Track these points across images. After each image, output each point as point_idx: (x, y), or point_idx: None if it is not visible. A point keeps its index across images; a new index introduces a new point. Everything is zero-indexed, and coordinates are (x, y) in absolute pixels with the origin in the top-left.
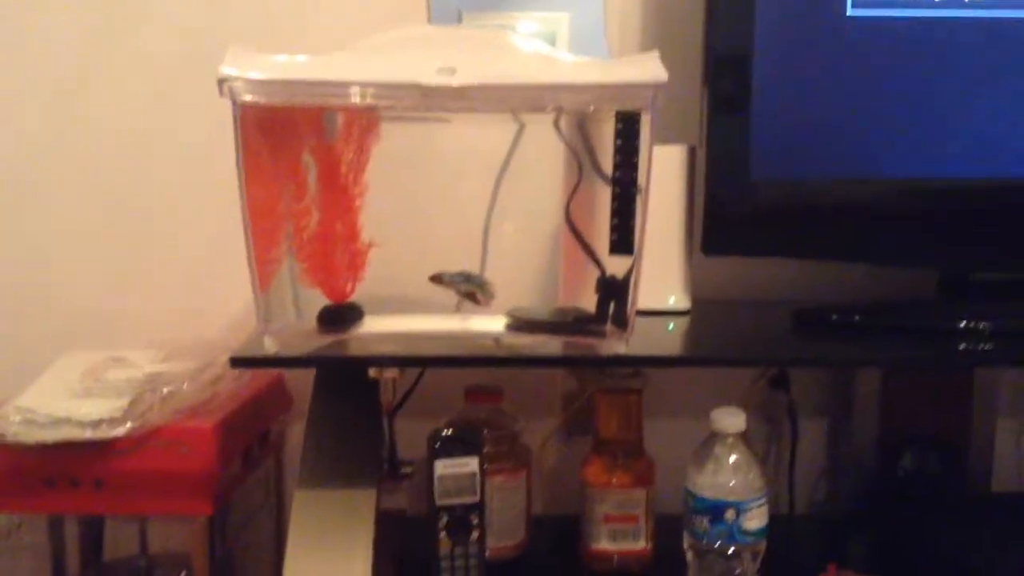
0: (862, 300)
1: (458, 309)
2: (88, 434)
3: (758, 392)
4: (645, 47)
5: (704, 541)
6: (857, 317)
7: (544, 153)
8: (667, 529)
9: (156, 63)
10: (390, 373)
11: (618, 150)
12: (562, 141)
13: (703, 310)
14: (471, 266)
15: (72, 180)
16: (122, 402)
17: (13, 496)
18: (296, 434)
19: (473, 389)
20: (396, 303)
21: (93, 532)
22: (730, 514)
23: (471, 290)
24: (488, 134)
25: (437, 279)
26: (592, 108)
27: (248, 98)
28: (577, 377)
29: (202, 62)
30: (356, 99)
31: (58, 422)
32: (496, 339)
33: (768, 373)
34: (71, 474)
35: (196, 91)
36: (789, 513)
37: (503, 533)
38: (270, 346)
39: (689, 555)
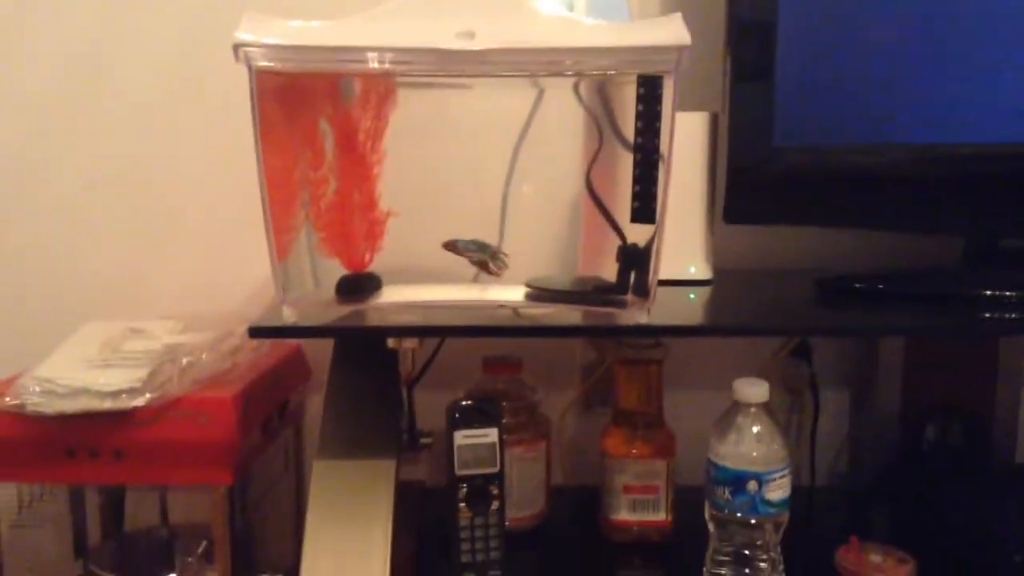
0: (886, 268)
1: (476, 279)
2: (108, 404)
3: (779, 363)
4: (665, 11)
5: (726, 511)
6: (880, 286)
7: (563, 119)
8: (687, 500)
9: (175, 33)
10: (409, 343)
11: (640, 115)
12: (582, 107)
13: (724, 280)
14: (489, 234)
15: (90, 152)
16: (141, 372)
17: (34, 466)
18: (315, 405)
19: (491, 360)
20: (414, 273)
21: (114, 502)
22: (752, 485)
23: (483, 259)
24: (507, 100)
25: (451, 246)
26: (614, 72)
27: (264, 64)
28: (596, 348)
29: (220, 31)
30: (374, 65)
31: (77, 392)
32: (515, 309)
33: (790, 344)
34: (91, 444)
35: (214, 61)
36: (810, 484)
37: (522, 503)
38: (289, 316)
39: (710, 526)
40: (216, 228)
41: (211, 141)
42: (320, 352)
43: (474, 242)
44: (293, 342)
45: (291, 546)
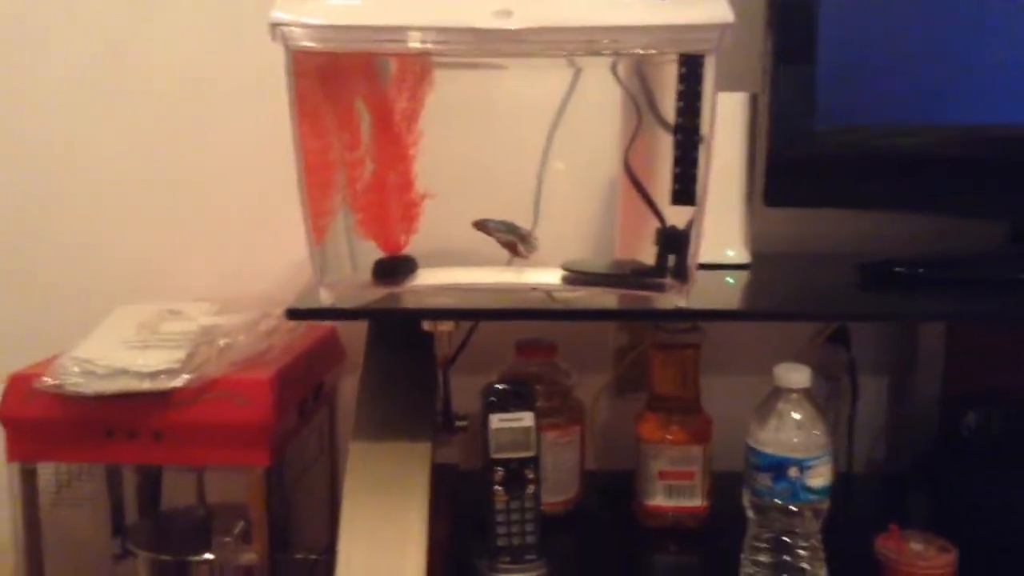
0: (928, 253)
1: (510, 262)
2: (146, 385)
3: (817, 349)
4: None
5: (765, 498)
6: (921, 270)
7: (601, 100)
8: (722, 486)
9: (207, 14)
10: (444, 326)
11: (680, 95)
12: (620, 87)
13: (762, 264)
14: (524, 217)
15: (125, 134)
16: (179, 354)
17: (72, 446)
18: (348, 387)
19: (525, 343)
20: (449, 255)
21: (150, 482)
22: (793, 471)
23: (512, 240)
24: (543, 80)
25: (481, 225)
26: (654, 51)
27: (301, 43)
28: (629, 332)
29: (251, 11)
30: (411, 44)
31: (116, 373)
32: (548, 292)
33: (828, 329)
34: (129, 425)
35: (248, 41)
36: (847, 472)
37: (556, 488)
38: (325, 298)
39: (749, 512)
40: (249, 211)
41: (245, 123)
42: (353, 334)
43: (504, 223)
44: (327, 324)
45: (326, 527)
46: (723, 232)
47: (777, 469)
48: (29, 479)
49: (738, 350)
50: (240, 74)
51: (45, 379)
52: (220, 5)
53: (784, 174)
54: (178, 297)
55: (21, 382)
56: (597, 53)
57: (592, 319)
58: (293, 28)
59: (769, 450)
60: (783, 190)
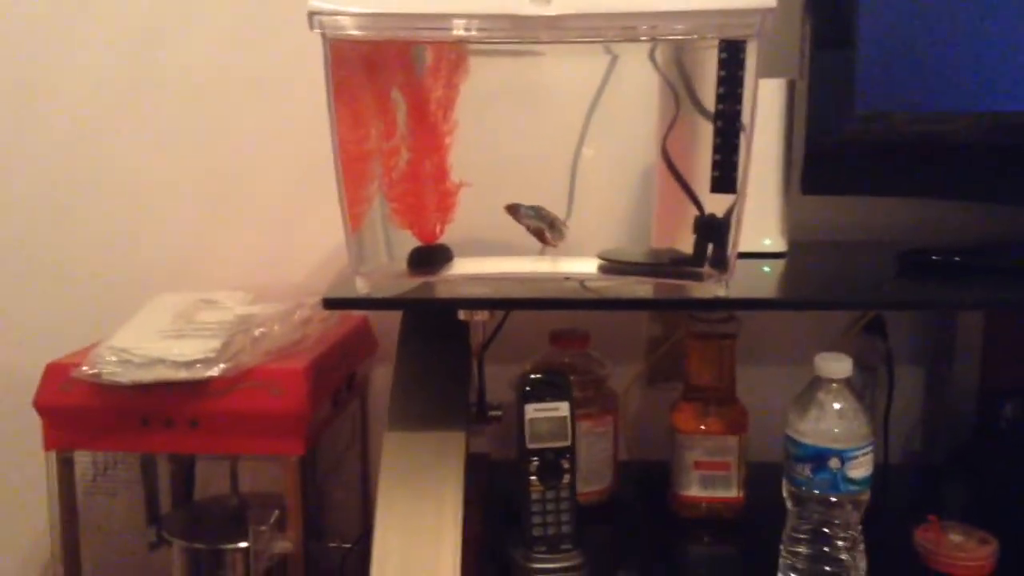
0: (967, 241)
1: (543, 251)
2: (183, 374)
3: (853, 338)
4: None
5: (805, 489)
6: (957, 258)
7: (638, 87)
8: (757, 477)
9: (242, 2)
10: (480, 316)
11: (721, 81)
12: (658, 73)
13: (799, 253)
14: (558, 205)
15: (160, 125)
16: (215, 343)
17: (109, 435)
18: (380, 377)
19: (559, 333)
20: (484, 245)
21: (184, 471)
22: (834, 462)
23: (540, 227)
24: (579, 67)
25: (513, 210)
26: (694, 37)
27: (339, 32)
28: (663, 322)
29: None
30: (449, 31)
31: (153, 362)
32: (581, 282)
33: (864, 318)
34: (166, 413)
35: (282, 30)
36: (883, 462)
37: (590, 478)
38: (361, 287)
39: (789, 503)
40: (282, 201)
41: (278, 114)
42: (385, 324)
43: (535, 208)
44: (360, 314)
45: (357, 516)
46: (759, 221)
47: (817, 460)
48: (66, 468)
49: (773, 340)
50: (274, 64)
51: (83, 368)
52: None
53: (822, 161)
54: (212, 287)
55: (58, 371)
56: (636, 39)
57: (629, 308)
58: (331, 17)
59: (809, 441)
60: (821, 178)
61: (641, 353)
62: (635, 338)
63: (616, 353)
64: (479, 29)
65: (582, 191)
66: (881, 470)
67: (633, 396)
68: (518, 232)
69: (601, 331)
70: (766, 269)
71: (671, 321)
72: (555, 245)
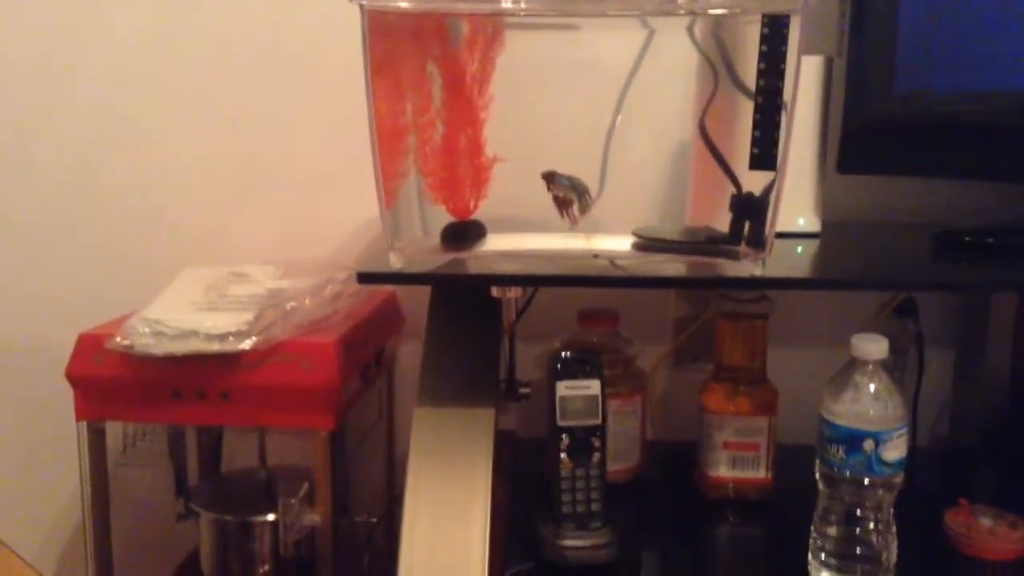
0: (1003, 223)
1: (572, 228)
2: (216, 347)
3: (883, 320)
4: None
5: (838, 470)
6: (991, 240)
7: (675, 62)
8: (785, 458)
9: None
10: (513, 292)
11: (763, 57)
12: (696, 48)
13: (833, 233)
14: (591, 181)
15: (189, 99)
16: (248, 316)
17: (141, 406)
18: (405, 353)
19: (588, 312)
20: (518, 221)
21: (211, 444)
22: (869, 444)
23: (569, 198)
24: (616, 42)
25: (549, 176)
26: (737, 11)
27: (377, 3)
28: (691, 301)
29: None
30: (489, 3)
31: (186, 334)
32: (611, 260)
33: (895, 300)
34: (198, 386)
35: (311, 4)
36: (911, 446)
37: (618, 456)
38: (395, 262)
39: (820, 484)
40: (312, 175)
41: (309, 89)
42: (413, 299)
43: (570, 179)
44: (388, 289)
45: (383, 491)
46: (794, 200)
47: (851, 442)
48: (97, 438)
49: (803, 321)
50: (305, 38)
51: (116, 339)
52: None
53: (859, 140)
54: (241, 260)
55: (91, 342)
56: (677, 13)
57: (664, 287)
58: None
59: (843, 422)
60: (858, 157)
61: (668, 333)
62: (663, 318)
63: (643, 333)
64: (520, 2)
65: (616, 167)
66: (909, 453)
67: (660, 376)
68: (552, 208)
69: (628, 310)
70: (799, 249)
71: (699, 301)
72: (574, 221)
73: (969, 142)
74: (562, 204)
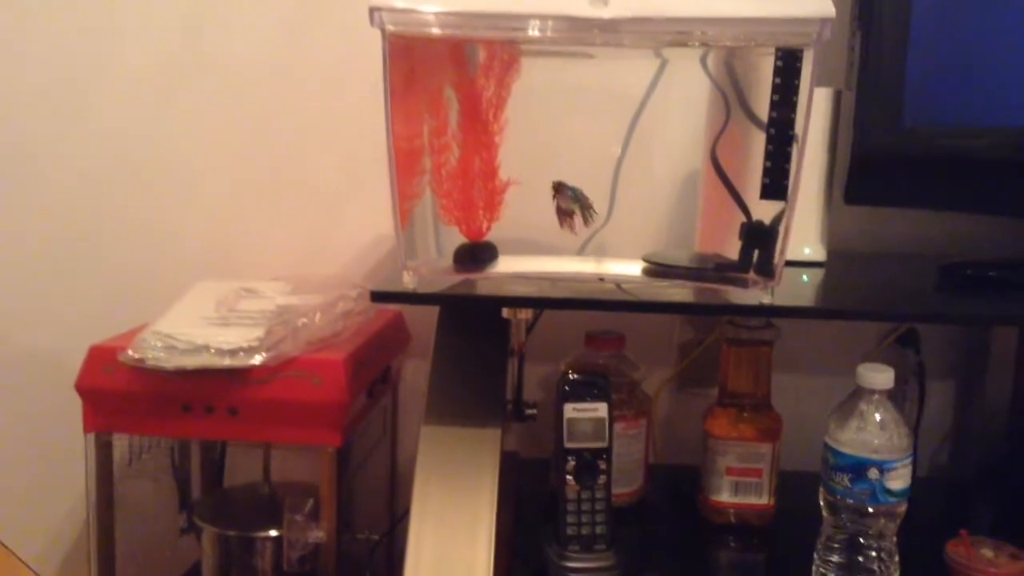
0: (1008, 256)
1: (581, 251)
2: (227, 362)
3: (885, 350)
4: None
5: (842, 498)
6: (992, 273)
7: (687, 91)
8: (787, 485)
9: None
10: (523, 314)
11: (776, 89)
12: (708, 79)
13: (838, 262)
14: (600, 206)
15: (203, 112)
16: (258, 332)
17: (150, 419)
18: (410, 371)
19: (595, 335)
20: (529, 244)
21: (214, 458)
22: (874, 473)
23: (572, 209)
24: (629, 71)
25: (558, 187)
26: (752, 44)
27: (398, 28)
28: (695, 327)
29: None
30: (506, 31)
31: (198, 349)
32: (619, 284)
33: (898, 330)
34: (207, 400)
35: (327, 24)
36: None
37: (622, 479)
38: (409, 282)
39: (824, 512)
40: (322, 192)
41: (321, 108)
42: (417, 318)
43: (574, 190)
44: (395, 307)
45: (384, 508)
46: (800, 230)
47: (856, 470)
48: (105, 450)
49: (805, 348)
50: (321, 58)
51: (128, 352)
52: None
53: (867, 172)
54: (250, 275)
55: (102, 354)
56: (691, 44)
57: (674, 312)
58: (391, 13)
59: (849, 451)
60: (865, 188)
61: (671, 357)
62: (667, 341)
63: (648, 356)
64: (538, 30)
65: (627, 193)
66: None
67: (663, 399)
68: (563, 232)
69: (633, 333)
70: (804, 278)
71: (703, 326)
72: (573, 232)
73: (975, 176)
74: (563, 214)
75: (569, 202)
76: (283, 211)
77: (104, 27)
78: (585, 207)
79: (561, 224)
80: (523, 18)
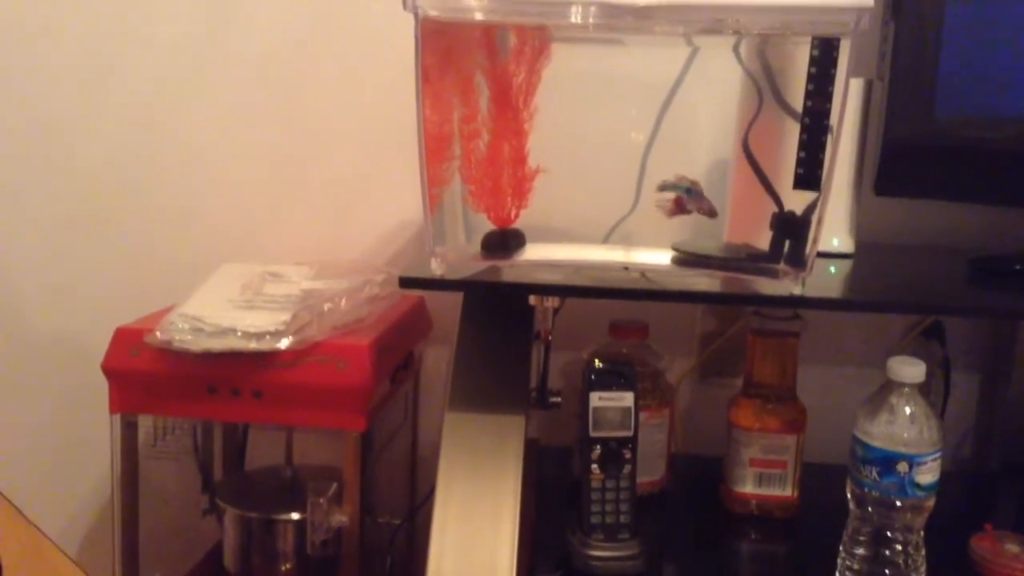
0: None
1: (607, 240)
2: (253, 345)
3: (911, 343)
4: None
5: (870, 491)
6: (1019, 266)
7: (719, 79)
8: (809, 477)
9: None
10: (550, 302)
11: (811, 78)
12: (741, 67)
13: (867, 254)
14: (628, 194)
15: (228, 96)
16: (285, 315)
17: (176, 401)
18: (431, 357)
19: (619, 323)
20: (555, 231)
21: (236, 440)
22: (903, 466)
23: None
24: (661, 58)
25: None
26: (789, 32)
27: (431, 13)
28: (717, 317)
29: None
30: (542, 17)
31: (225, 332)
32: (642, 273)
33: (923, 323)
34: (233, 383)
35: (348, 9)
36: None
37: (644, 469)
38: (436, 268)
39: (851, 504)
40: (345, 178)
41: (344, 92)
42: (440, 304)
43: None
44: (417, 295)
45: (405, 493)
46: (829, 220)
47: (885, 463)
48: (130, 431)
49: (830, 339)
50: (343, 43)
51: (156, 334)
52: None
53: (898, 163)
54: (274, 259)
55: (128, 336)
56: (725, 32)
57: (703, 302)
58: None
59: (879, 444)
60: (896, 180)
61: (693, 347)
62: (687, 331)
63: (670, 345)
64: (574, 16)
65: (654, 183)
66: None
67: (685, 389)
68: (590, 219)
69: (656, 322)
70: (832, 269)
71: (725, 316)
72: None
73: (1006, 169)
74: (673, 204)
75: (670, 189)
76: (306, 196)
77: (131, 10)
78: (679, 186)
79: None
80: (559, 4)
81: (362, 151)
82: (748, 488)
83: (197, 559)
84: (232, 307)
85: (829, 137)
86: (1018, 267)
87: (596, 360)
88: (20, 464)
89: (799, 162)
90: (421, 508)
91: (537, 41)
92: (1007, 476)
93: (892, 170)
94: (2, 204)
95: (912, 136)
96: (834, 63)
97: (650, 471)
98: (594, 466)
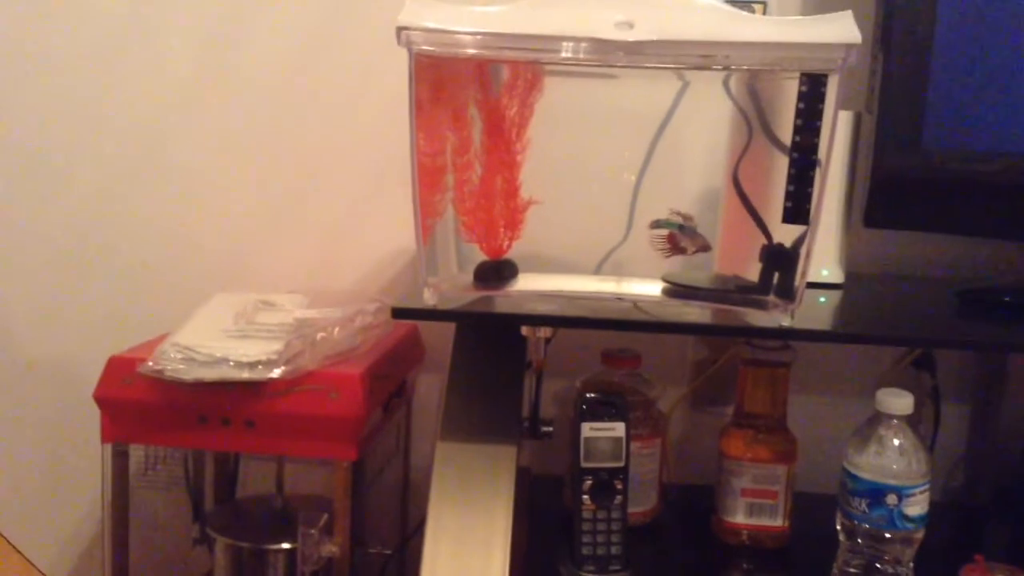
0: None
1: (598, 270)
2: (245, 374)
3: (900, 373)
4: (806, 8)
5: (859, 523)
6: (1008, 298)
7: (709, 114)
8: (801, 507)
9: (307, 9)
10: (543, 332)
11: (800, 113)
12: (731, 101)
13: (856, 284)
14: (619, 225)
15: (223, 124)
16: (277, 345)
17: (167, 431)
18: (424, 385)
19: (612, 353)
20: (546, 261)
21: (227, 470)
22: (892, 498)
23: (686, 248)
24: (652, 92)
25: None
26: (777, 68)
27: (425, 48)
28: (709, 346)
29: (353, 8)
30: (534, 52)
31: (217, 361)
32: (635, 303)
33: (913, 353)
34: (224, 412)
35: (348, 40)
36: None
37: (636, 499)
38: (429, 298)
39: (841, 536)
40: (339, 208)
41: (341, 121)
42: (433, 333)
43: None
44: (411, 323)
45: (396, 522)
46: (819, 251)
47: (874, 495)
48: (122, 460)
49: (820, 370)
50: (338, 74)
51: (148, 363)
52: (321, 3)
53: (887, 195)
54: (266, 288)
55: (120, 365)
56: (715, 68)
57: (694, 333)
58: (418, 33)
59: (867, 476)
60: (884, 211)
61: (685, 376)
62: (679, 361)
63: (662, 374)
64: (565, 51)
65: (646, 213)
66: None
67: (676, 418)
68: (582, 249)
69: (648, 351)
70: (821, 300)
71: (717, 346)
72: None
73: (994, 201)
74: (669, 242)
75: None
76: (301, 225)
77: (127, 37)
78: (671, 223)
79: (675, 247)
80: (551, 40)
81: (356, 181)
82: (740, 518)
83: None
84: (225, 336)
85: (817, 171)
86: (1007, 299)
87: (587, 391)
88: (10, 493)
89: (788, 196)
90: (412, 538)
91: (530, 74)
92: (997, 507)
93: (881, 202)
94: None
95: (900, 168)
96: (822, 98)
97: (642, 501)
98: (585, 497)
